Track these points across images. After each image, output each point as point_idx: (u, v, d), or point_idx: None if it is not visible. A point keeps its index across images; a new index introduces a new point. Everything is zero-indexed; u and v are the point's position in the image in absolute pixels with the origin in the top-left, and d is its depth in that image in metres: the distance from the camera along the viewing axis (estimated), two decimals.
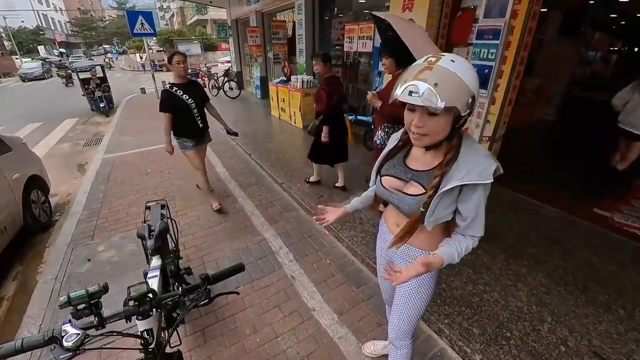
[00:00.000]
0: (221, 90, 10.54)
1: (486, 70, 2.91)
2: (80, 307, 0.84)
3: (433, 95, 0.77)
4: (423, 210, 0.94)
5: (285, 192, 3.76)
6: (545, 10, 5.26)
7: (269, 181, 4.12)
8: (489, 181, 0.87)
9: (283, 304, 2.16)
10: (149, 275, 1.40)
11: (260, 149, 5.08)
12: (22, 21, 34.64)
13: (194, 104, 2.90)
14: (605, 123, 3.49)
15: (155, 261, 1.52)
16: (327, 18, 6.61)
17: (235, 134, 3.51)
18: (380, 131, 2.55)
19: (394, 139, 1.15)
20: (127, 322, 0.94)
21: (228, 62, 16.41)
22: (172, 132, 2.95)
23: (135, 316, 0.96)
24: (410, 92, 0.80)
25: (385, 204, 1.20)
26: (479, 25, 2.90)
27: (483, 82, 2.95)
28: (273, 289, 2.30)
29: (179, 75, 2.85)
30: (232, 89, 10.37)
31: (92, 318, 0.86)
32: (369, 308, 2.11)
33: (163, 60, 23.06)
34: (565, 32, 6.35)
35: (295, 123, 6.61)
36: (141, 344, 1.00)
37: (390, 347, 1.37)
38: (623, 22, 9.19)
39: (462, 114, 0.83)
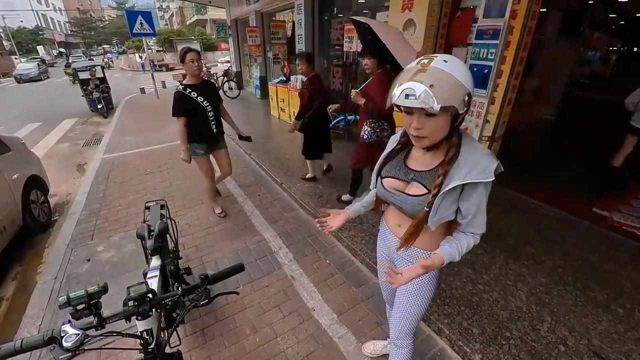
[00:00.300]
0: (221, 90, 10.53)
1: (485, 70, 2.91)
2: (80, 307, 0.84)
3: (429, 97, 0.78)
4: (427, 210, 0.94)
5: (285, 192, 3.76)
6: (545, 10, 5.27)
7: (269, 181, 4.12)
8: (491, 179, 0.88)
9: (283, 304, 2.16)
10: (148, 276, 1.40)
11: (260, 149, 5.08)
12: (22, 21, 34.60)
13: (209, 107, 2.71)
14: (604, 123, 3.51)
15: (155, 261, 1.52)
16: (326, 18, 6.60)
17: (248, 139, 3.22)
18: (366, 127, 2.70)
19: (393, 141, 1.15)
20: (126, 322, 0.94)
21: (227, 62, 16.40)
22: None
23: (134, 316, 0.96)
24: (407, 96, 0.81)
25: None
26: (479, 25, 2.90)
27: (482, 82, 2.95)
28: (273, 289, 2.30)
29: (193, 74, 2.63)
30: (231, 89, 10.37)
31: (91, 318, 0.86)
32: (369, 308, 2.11)
33: (162, 60, 23.10)
34: (564, 32, 6.36)
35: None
36: (141, 344, 1.00)
37: (391, 346, 1.38)
38: (622, 22, 9.21)
39: (460, 112, 0.84)
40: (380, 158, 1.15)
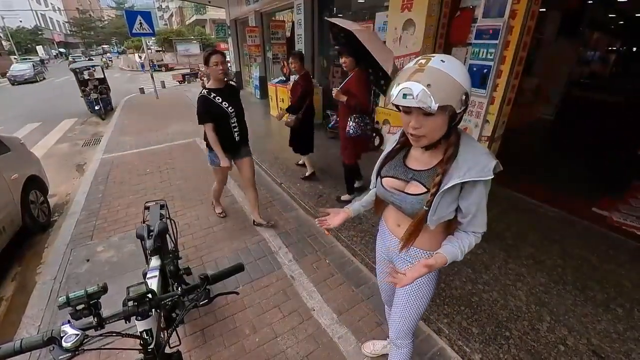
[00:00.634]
0: None
1: (485, 70, 2.91)
2: (79, 307, 0.84)
3: (427, 96, 0.78)
4: (426, 208, 0.95)
5: (285, 192, 3.76)
6: (544, 10, 5.28)
7: (268, 181, 4.12)
8: (490, 177, 0.88)
9: (282, 304, 2.16)
10: (148, 276, 1.40)
11: (259, 149, 5.07)
12: (21, 21, 34.56)
13: (233, 113, 2.55)
14: (604, 122, 3.51)
15: (155, 261, 1.52)
16: (326, 18, 6.61)
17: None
18: (351, 122, 2.84)
19: (393, 141, 1.15)
20: (126, 323, 0.94)
21: (227, 62, 16.39)
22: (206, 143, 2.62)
23: (134, 316, 0.95)
24: (405, 95, 0.81)
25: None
26: (478, 25, 2.91)
27: (482, 82, 2.96)
28: (272, 289, 2.30)
29: (217, 78, 2.46)
30: None
31: (91, 318, 0.86)
32: (369, 308, 2.11)
33: (162, 60, 23.07)
34: (564, 32, 6.37)
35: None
36: (140, 344, 0.99)
37: (391, 346, 1.38)
38: (621, 22, 9.22)
39: (457, 112, 0.85)
40: (380, 158, 1.16)
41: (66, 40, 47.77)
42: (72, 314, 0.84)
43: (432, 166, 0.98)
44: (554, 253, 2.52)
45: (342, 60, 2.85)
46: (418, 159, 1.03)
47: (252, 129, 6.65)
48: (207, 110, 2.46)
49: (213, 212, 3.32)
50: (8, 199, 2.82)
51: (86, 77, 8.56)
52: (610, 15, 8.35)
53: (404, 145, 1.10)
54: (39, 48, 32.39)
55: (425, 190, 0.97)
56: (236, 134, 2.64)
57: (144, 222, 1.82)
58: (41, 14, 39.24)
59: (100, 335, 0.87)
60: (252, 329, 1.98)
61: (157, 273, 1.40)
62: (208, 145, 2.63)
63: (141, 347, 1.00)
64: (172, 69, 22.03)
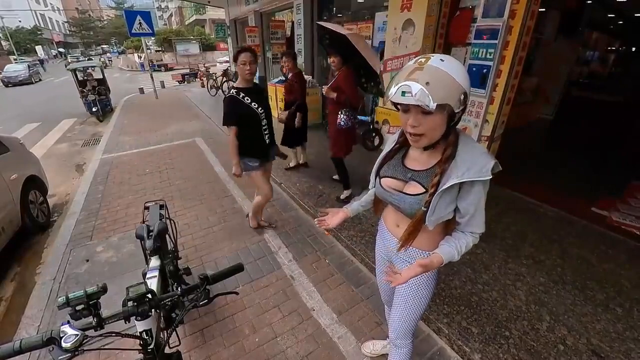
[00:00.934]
0: (220, 90, 10.53)
1: (484, 70, 2.91)
2: (79, 307, 0.84)
3: (425, 95, 0.79)
4: (424, 209, 0.95)
5: (284, 192, 3.76)
6: (544, 10, 5.28)
7: None
8: (488, 177, 0.88)
9: (282, 303, 2.16)
10: (147, 276, 1.40)
11: None
12: (20, 21, 34.51)
13: (263, 114, 2.42)
14: (603, 122, 3.51)
15: (154, 261, 1.52)
16: (325, 18, 6.60)
17: (283, 156, 3.22)
18: (342, 115, 3.06)
19: (391, 141, 1.16)
20: (126, 323, 0.94)
21: (227, 62, 16.41)
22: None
23: (134, 317, 0.95)
24: (404, 93, 0.82)
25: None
26: (477, 25, 2.90)
27: (481, 82, 2.95)
28: (272, 289, 2.30)
29: (245, 78, 2.32)
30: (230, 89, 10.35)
31: (90, 319, 0.86)
32: (368, 308, 2.11)
33: (161, 60, 23.05)
34: (563, 32, 6.38)
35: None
36: (140, 344, 0.99)
37: (390, 346, 1.38)
38: (620, 22, 9.23)
39: (456, 111, 0.85)
40: (378, 158, 1.16)
41: (65, 40, 47.71)
42: (72, 314, 0.84)
43: (431, 166, 0.98)
44: (553, 253, 2.52)
45: (330, 59, 3.08)
46: (417, 159, 1.04)
47: None
48: (234, 111, 2.32)
49: (212, 212, 3.31)
50: (7, 199, 2.82)
51: (85, 77, 8.54)
52: (609, 15, 8.36)
53: (402, 145, 1.10)
54: (38, 48, 32.34)
55: (424, 190, 0.97)
56: (266, 135, 2.52)
57: (143, 222, 1.82)
58: (40, 14, 39.19)
59: (100, 335, 0.87)
60: (251, 329, 1.98)
61: (156, 273, 1.40)
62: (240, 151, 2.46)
63: (141, 348, 1.00)
64: (171, 69, 22.03)
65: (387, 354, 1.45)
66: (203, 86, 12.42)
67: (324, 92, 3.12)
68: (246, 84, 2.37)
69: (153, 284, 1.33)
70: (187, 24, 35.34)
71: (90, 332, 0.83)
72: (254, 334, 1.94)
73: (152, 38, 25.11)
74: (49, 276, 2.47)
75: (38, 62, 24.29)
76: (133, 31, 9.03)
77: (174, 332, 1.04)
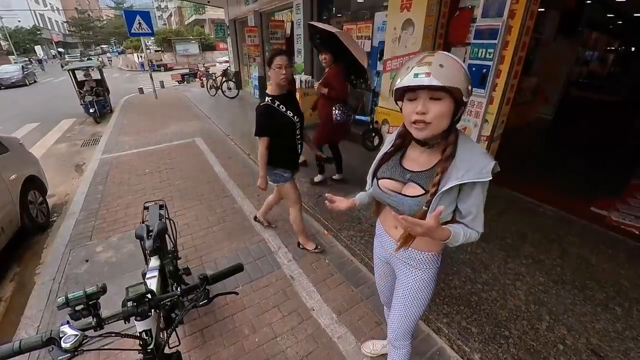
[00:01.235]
0: (219, 90, 10.52)
1: (484, 70, 2.92)
2: (79, 308, 0.84)
3: (440, 73, 0.80)
4: (425, 209, 0.93)
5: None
6: (543, 10, 5.29)
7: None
8: (488, 179, 0.88)
9: (282, 303, 2.16)
10: (147, 276, 1.40)
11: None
12: (19, 21, 34.49)
13: (298, 123, 2.24)
14: (602, 122, 3.51)
15: (154, 262, 1.52)
16: (325, 18, 6.60)
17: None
18: (337, 111, 3.29)
19: (388, 142, 1.14)
20: (125, 323, 0.94)
21: (226, 62, 16.38)
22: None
23: (133, 317, 0.95)
24: (416, 74, 0.82)
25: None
26: (477, 24, 2.91)
27: (481, 82, 2.96)
28: (272, 289, 2.30)
29: (279, 84, 2.10)
30: (230, 89, 10.35)
31: (90, 319, 0.86)
32: (368, 307, 2.11)
33: (161, 60, 23.04)
34: (562, 32, 6.38)
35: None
36: (140, 344, 0.99)
37: (389, 347, 1.38)
38: (620, 22, 9.23)
39: (465, 100, 0.86)
40: (375, 159, 1.15)
41: (65, 40, 47.68)
42: (71, 314, 0.84)
43: (430, 167, 0.98)
44: (553, 252, 2.52)
45: (322, 57, 3.31)
46: (415, 160, 1.03)
47: (252, 129, 6.63)
48: (270, 121, 2.13)
49: (212, 212, 3.31)
50: (7, 200, 2.82)
51: (84, 77, 8.50)
52: (608, 15, 8.36)
53: (399, 147, 1.09)
54: (38, 48, 32.32)
55: (423, 192, 0.96)
56: (299, 145, 2.35)
57: (143, 222, 1.82)
58: (40, 13, 39.16)
59: (100, 335, 0.86)
60: (251, 329, 1.98)
61: (156, 273, 1.40)
62: (269, 162, 2.28)
63: (140, 348, 1.00)
64: (171, 69, 22.02)
65: (387, 354, 1.45)
66: (203, 86, 12.41)
67: (315, 87, 3.38)
68: (280, 90, 2.17)
69: (153, 284, 1.33)
70: (186, 24, 35.28)
71: (90, 333, 0.83)
72: (254, 334, 1.94)
73: (152, 38, 25.07)
74: (48, 276, 2.47)
75: (36, 62, 24.12)
76: (132, 31, 9.03)
77: (174, 332, 1.04)
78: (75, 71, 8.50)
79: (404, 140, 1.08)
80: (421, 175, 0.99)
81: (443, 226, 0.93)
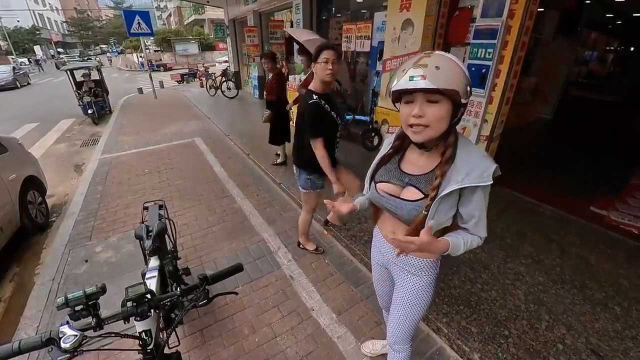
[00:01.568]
0: (219, 90, 10.52)
1: (483, 70, 2.91)
2: (78, 308, 0.84)
3: (436, 76, 0.78)
4: (425, 213, 0.91)
5: (284, 192, 3.75)
6: (542, 10, 5.29)
7: (267, 181, 4.11)
8: (489, 183, 0.86)
9: (282, 303, 2.16)
10: (147, 276, 1.39)
11: (258, 149, 5.07)
12: (18, 21, 34.45)
13: (340, 125, 2.10)
14: (602, 122, 3.51)
15: (154, 262, 1.52)
16: (324, 18, 6.60)
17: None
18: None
19: (386, 145, 1.13)
20: (125, 323, 0.94)
21: (226, 62, 16.37)
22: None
23: (133, 317, 0.95)
24: (412, 77, 0.80)
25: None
26: (477, 24, 2.91)
27: (480, 82, 2.96)
28: (272, 289, 2.30)
29: (324, 80, 1.88)
30: (229, 88, 10.35)
31: (89, 319, 0.86)
32: (368, 307, 2.11)
33: (160, 60, 23.02)
34: (562, 32, 6.39)
35: (293, 123, 6.59)
36: (139, 344, 0.99)
37: (389, 350, 1.37)
38: (619, 22, 9.24)
39: (463, 101, 0.83)
40: (373, 162, 1.13)
41: (64, 40, 47.61)
42: (71, 314, 0.84)
43: (429, 170, 0.96)
44: (552, 252, 2.53)
45: (300, 59, 3.62)
46: (414, 163, 1.01)
47: (251, 129, 6.65)
48: (321, 120, 1.95)
49: (212, 212, 3.31)
50: (6, 200, 2.81)
51: (82, 78, 8.46)
52: (608, 15, 8.37)
53: (397, 149, 1.07)
54: (37, 48, 32.27)
55: (422, 196, 0.94)
56: (337, 148, 2.17)
57: (142, 222, 1.82)
58: (39, 13, 39.12)
59: (99, 336, 0.86)
60: (251, 329, 1.97)
61: (156, 273, 1.40)
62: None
63: (140, 348, 0.99)
64: (170, 69, 22.00)
65: (387, 354, 1.44)
66: (202, 86, 12.41)
67: (297, 89, 3.64)
68: (325, 88, 1.95)
69: (152, 284, 1.33)
70: (185, 24, 35.26)
71: (90, 333, 0.83)
72: (254, 334, 1.94)
73: (151, 38, 25.08)
74: (47, 277, 2.46)
75: (34, 62, 23.93)
76: (132, 31, 9.02)
77: (174, 333, 1.04)
78: (74, 71, 8.44)
79: (403, 142, 1.05)
80: (420, 178, 0.96)
81: (440, 238, 0.93)
